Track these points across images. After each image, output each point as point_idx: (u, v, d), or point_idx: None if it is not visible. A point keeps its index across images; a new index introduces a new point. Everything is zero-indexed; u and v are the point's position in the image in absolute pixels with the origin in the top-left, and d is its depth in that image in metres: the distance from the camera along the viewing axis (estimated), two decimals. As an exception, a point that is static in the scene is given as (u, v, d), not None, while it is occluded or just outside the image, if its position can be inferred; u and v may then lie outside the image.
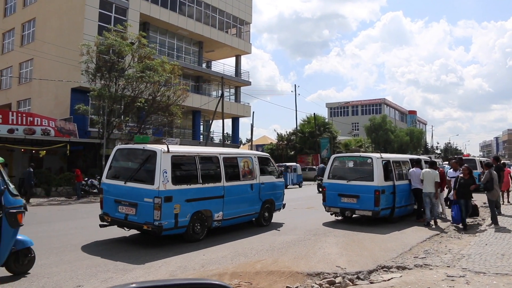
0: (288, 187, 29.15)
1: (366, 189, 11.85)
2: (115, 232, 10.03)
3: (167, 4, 36.41)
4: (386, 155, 12.96)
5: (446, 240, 10.27)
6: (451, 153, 77.92)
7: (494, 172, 11.92)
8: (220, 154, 10.56)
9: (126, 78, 25.17)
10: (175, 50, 38.38)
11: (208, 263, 7.64)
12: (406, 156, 14.65)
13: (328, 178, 12.77)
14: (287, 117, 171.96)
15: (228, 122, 42.19)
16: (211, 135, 38.92)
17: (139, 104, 25.87)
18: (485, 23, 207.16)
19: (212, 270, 7.14)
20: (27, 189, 20.76)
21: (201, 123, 42.43)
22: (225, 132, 36.81)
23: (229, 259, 7.96)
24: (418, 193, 12.75)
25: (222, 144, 37.15)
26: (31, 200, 20.28)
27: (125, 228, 9.54)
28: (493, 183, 11.59)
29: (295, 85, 58.32)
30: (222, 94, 34.62)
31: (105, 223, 9.53)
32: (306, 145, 46.30)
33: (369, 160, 12.24)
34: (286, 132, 48.37)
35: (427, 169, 12.58)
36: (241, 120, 47.84)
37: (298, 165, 33.58)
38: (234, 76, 43.23)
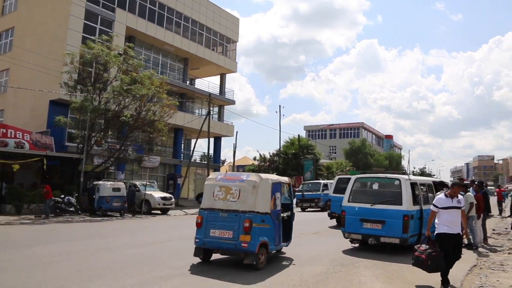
0: None
1: (394, 214, 10.62)
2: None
3: (154, 18, 35.19)
4: (413, 177, 11.86)
5: (490, 272, 9.14)
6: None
7: None
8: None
9: (112, 91, 23.59)
10: (160, 65, 36.98)
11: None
12: (429, 179, 13.58)
13: (348, 201, 11.49)
14: (265, 138, 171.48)
15: (210, 141, 40.77)
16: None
17: (124, 118, 24.25)
18: (454, 53, 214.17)
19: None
20: None
21: (182, 142, 40.81)
22: (205, 151, 35.43)
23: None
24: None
25: (207, 164, 35.56)
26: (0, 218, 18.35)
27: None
28: None
29: (279, 105, 57.83)
30: (209, 112, 33.33)
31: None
32: (289, 167, 45.16)
33: (396, 182, 11.05)
34: (269, 153, 47.17)
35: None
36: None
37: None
38: (218, 94, 42.00)
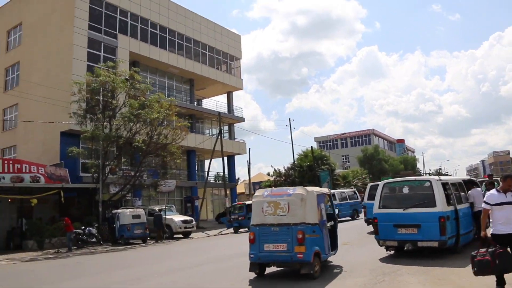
0: None
1: (429, 217, 10.16)
2: None
3: (156, 42, 35.29)
4: (443, 177, 11.45)
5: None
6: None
7: None
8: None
9: (122, 117, 23.46)
10: (166, 88, 36.95)
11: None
12: (459, 178, 13.12)
13: (379, 208, 11.06)
14: (276, 154, 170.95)
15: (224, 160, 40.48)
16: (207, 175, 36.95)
17: (136, 144, 24.06)
18: (456, 53, 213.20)
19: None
20: None
21: (196, 163, 40.58)
22: (220, 170, 34.99)
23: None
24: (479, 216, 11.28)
25: (224, 183, 35.18)
26: (23, 254, 18.13)
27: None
28: None
29: (289, 119, 57.10)
30: (220, 131, 33.12)
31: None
32: (305, 179, 44.52)
33: (427, 184, 10.63)
34: (284, 167, 46.63)
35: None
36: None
37: None
38: (226, 112, 41.86)
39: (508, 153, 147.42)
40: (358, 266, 9.93)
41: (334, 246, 10.31)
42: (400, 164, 70.20)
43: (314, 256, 8.78)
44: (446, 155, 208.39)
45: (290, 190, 9.50)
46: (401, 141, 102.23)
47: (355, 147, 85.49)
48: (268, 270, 9.60)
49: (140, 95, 24.73)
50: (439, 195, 10.28)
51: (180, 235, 24.87)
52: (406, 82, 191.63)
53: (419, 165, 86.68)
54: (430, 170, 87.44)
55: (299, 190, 9.32)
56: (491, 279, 7.84)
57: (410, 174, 12.40)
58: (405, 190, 10.94)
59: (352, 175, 52.90)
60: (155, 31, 35.34)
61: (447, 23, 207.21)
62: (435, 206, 10.21)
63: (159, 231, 23.28)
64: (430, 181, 10.61)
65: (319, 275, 8.90)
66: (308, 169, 45.28)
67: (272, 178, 48.18)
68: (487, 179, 19.74)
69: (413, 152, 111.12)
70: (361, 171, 57.23)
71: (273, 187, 10.29)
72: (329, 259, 10.30)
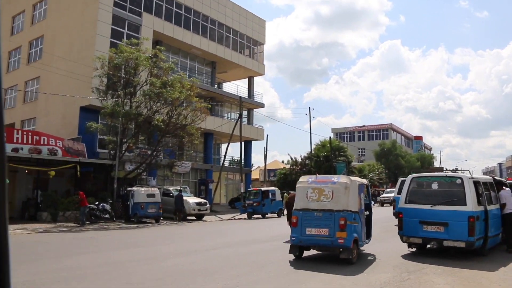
0: (266, 216, 26.91)
1: (458, 215, 9.75)
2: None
3: (180, 22, 34.91)
4: (475, 176, 10.98)
5: None
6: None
7: None
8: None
9: (144, 95, 23.23)
10: (187, 69, 36.62)
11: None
12: (490, 178, 12.60)
13: (405, 202, 10.66)
14: (292, 143, 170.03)
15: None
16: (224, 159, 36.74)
17: (155, 123, 23.87)
18: (480, 51, 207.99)
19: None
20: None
21: (213, 146, 40.38)
22: (235, 155, 34.71)
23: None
24: (510, 219, 10.91)
25: (240, 168, 34.94)
26: (37, 225, 18.18)
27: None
28: None
29: (309, 107, 56.75)
30: (240, 115, 32.83)
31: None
32: (321, 170, 44.09)
33: (458, 181, 10.17)
34: (300, 156, 46.24)
35: None
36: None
37: (276, 189, 29.09)
38: (247, 97, 41.46)
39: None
40: (380, 262, 9.57)
41: (368, 235, 10.71)
42: (417, 161, 69.16)
43: (354, 242, 9.18)
44: (462, 155, 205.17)
45: (335, 178, 10.08)
46: (419, 138, 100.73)
47: (372, 140, 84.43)
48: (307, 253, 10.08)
49: (162, 74, 24.44)
50: (470, 193, 9.85)
51: (193, 217, 24.74)
52: (427, 79, 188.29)
53: (436, 164, 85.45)
54: (446, 169, 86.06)
55: (343, 178, 9.89)
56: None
57: (439, 169, 11.81)
58: (434, 186, 10.50)
59: (368, 169, 52.38)
60: (180, 12, 34.95)
61: (473, 20, 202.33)
62: (465, 204, 9.79)
63: (179, 211, 23.31)
64: (461, 178, 10.17)
65: (356, 261, 9.28)
66: (324, 160, 44.95)
67: (287, 166, 47.88)
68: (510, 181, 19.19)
69: (430, 150, 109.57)
70: (378, 165, 56.59)
71: (317, 175, 10.58)
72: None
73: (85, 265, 9.23)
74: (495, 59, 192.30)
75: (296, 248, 9.63)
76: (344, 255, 9.09)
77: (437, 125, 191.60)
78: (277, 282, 7.53)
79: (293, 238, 9.53)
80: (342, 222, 9.03)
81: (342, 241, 9.00)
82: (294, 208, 9.84)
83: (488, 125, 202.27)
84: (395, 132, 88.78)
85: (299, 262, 9.51)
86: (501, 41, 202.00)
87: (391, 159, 66.19)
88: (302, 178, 10.37)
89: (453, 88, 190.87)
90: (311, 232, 9.31)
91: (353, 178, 10.25)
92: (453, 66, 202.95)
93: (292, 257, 9.82)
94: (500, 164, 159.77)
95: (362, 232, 9.90)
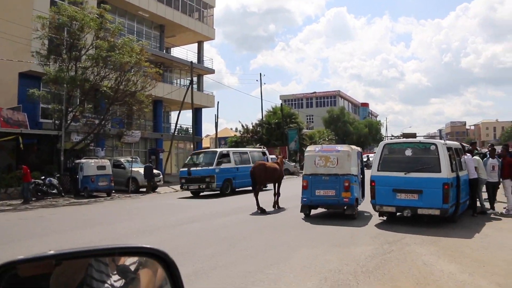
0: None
1: (432, 183, 9.59)
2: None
3: (126, -19, 32.66)
4: (448, 142, 10.88)
5: None
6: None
7: None
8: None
9: (91, 59, 21.56)
10: (135, 33, 34.57)
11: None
12: (457, 143, 12.59)
13: (378, 170, 10.38)
14: (239, 110, 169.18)
15: (190, 113, 39.03)
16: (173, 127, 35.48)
17: (104, 89, 22.35)
18: (422, 21, 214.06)
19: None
20: None
21: (162, 114, 38.92)
22: (184, 124, 33.68)
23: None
24: (474, 184, 11.23)
25: (192, 137, 33.94)
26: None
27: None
28: None
29: (260, 73, 55.94)
30: (191, 81, 31.62)
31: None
32: (273, 137, 43.97)
33: (432, 147, 9.96)
34: (252, 123, 45.71)
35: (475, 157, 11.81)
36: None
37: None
38: (196, 63, 40.01)
39: (465, 124, 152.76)
40: (356, 233, 9.28)
41: (363, 195, 12.35)
42: (364, 128, 70.70)
43: (356, 201, 11.07)
44: (405, 122, 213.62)
45: (338, 147, 12.02)
46: (365, 105, 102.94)
47: (320, 107, 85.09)
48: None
49: (110, 36, 22.76)
50: (444, 160, 9.69)
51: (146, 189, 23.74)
52: (371, 47, 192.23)
53: (383, 130, 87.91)
54: (392, 135, 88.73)
55: (345, 147, 11.80)
56: (509, 252, 7.38)
57: (413, 135, 11.67)
58: (408, 152, 10.24)
59: (318, 136, 52.78)
60: (126, -30, 32.63)
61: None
62: (439, 171, 9.63)
63: (149, 182, 22.90)
64: (435, 145, 9.97)
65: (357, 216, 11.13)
66: (276, 127, 44.64)
67: (238, 134, 47.30)
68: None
69: (376, 116, 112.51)
70: (327, 132, 57.20)
71: (323, 144, 13.55)
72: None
73: (39, 251, 8.26)
74: (436, 29, 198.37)
75: (307, 207, 11.45)
76: (349, 211, 10.94)
77: (380, 92, 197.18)
78: (257, 261, 6.98)
79: (304, 199, 11.32)
80: (347, 184, 10.85)
81: (347, 200, 10.84)
82: (304, 173, 11.64)
83: (429, 92, 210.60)
84: (342, 99, 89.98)
85: (275, 237, 9.04)
86: (442, 11, 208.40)
87: (340, 125, 67.13)
88: (310, 148, 12.59)
89: (396, 56, 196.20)
90: (320, 193, 11.08)
91: (353, 146, 12.16)
92: (397, 35, 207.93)
93: (262, 230, 9.76)
94: (440, 130, 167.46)
95: (360, 192, 11.76)
